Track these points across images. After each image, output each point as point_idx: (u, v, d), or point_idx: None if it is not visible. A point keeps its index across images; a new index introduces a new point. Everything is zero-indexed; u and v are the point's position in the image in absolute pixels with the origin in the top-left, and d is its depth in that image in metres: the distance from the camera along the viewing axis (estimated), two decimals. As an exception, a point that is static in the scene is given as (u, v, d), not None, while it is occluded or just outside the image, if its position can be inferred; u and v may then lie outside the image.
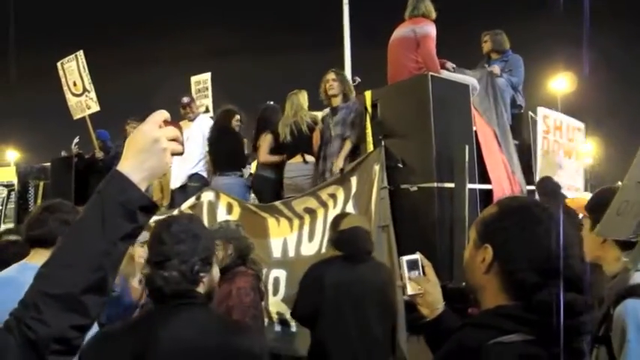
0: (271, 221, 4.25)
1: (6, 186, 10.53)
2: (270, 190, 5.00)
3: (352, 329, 2.89)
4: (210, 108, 7.72)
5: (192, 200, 4.86)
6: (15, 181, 8.45)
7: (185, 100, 5.72)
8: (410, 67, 4.10)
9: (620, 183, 1.82)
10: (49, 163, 7.70)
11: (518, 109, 5.08)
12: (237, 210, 4.51)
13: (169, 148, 0.98)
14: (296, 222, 4.13)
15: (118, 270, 0.96)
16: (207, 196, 4.74)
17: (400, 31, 4.24)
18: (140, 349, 1.57)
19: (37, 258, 2.25)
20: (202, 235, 1.77)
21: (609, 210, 1.67)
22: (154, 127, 0.98)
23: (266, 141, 5.14)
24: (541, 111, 5.11)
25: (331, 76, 4.63)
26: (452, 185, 3.53)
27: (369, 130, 3.85)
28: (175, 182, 5.84)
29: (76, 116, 6.74)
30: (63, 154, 7.55)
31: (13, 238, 3.05)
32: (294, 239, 4.01)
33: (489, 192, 3.92)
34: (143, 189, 0.96)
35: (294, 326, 3.87)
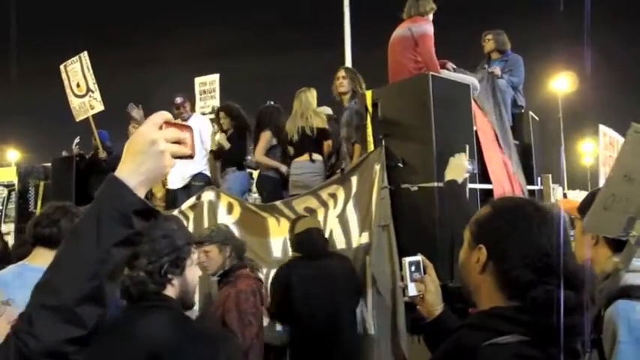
0: (271, 221, 4.25)
1: (6, 186, 10.54)
2: (273, 190, 5.02)
3: (322, 319, 3.24)
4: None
5: (192, 200, 4.86)
6: (15, 181, 8.45)
7: (178, 99, 5.70)
8: (409, 67, 4.10)
9: None
10: (49, 164, 7.69)
11: (518, 109, 5.08)
12: (237, 210, 4.51)
13: (168, 150, 0.93)
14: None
15: (119, 279, 0.93)
16: (207, 195, 4.74)
17: (398, 31, 4.25)
18: (105, 348, 1.53)
19: (38, 259, 2.23)
20: (175, 236, 1.70)
21: (595, 204, 1.66)
22: (152, 128, 0.94)
23: (264, 139, 5.17)
24: (601, 128, 5.49)
25: (341, 73, 4.70)
26: (452, 185, 3.53)
27: (369, 130, 3.85)
28: (177, 183, 5.84)
29: (79, 118, 6.73)
30: (64, 154, 7.55)
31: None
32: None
33: (490, 192, 3.92)
34: (142, 193, 0.92)
35: (294, 326, 3.87)
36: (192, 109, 6.76)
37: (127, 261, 1.56)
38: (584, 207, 1.95)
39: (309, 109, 4.83)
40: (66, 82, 6.82)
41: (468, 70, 4.58)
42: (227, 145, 5.45)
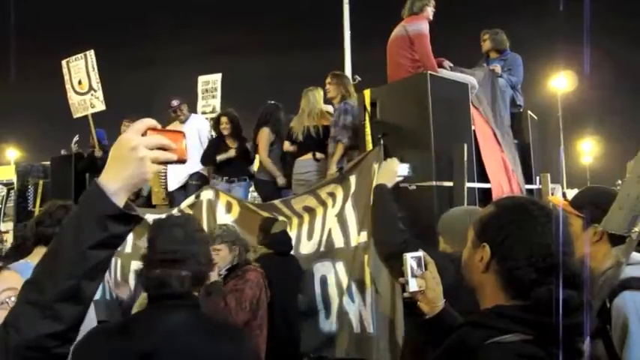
0: (270, 220, 4.25)
1: (5, 185, 10.55)
2: (269, 193, 5.05)
3: (298, 307, 3.74)
4: (218, 109, 7.76)
5: (191, 199, 4.87)
6: (14, 179, 8.45)
7: (174, 102, 5.67)
8: (407, 66, 4.11)
9: (620, 182, 1.85)
10: (48, 162, 7.70)
11: (517, 108, 5.08)
12: (236, 209, 4.52)
13: (149, 157, 0.95)
14: (295, 221, 4.14)
15: (99, 280, 0.95)
16: (206, 194, 4.75)
17: (395, 31, 4.26)
18: (132, 349, 1.53)
19: (39, 257, 2.23)
20: (206, 240, 1.79)
21: (613, 205, 1.72)
22: (134, 135, 0.96)
23: (263, 136, 5.20)
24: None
25: (328, 79, 4.78)
26: (451, 184, 3.53)
27: (368, 129, 3.85)
28: (174, 184, 5.83)
29: (77, 114, 6.74)
30: (63, 152, 7.55)
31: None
32: (293, 238, 4.01)
33: (488, 191, 3.92)
34: (122, 197, 0.94)
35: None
36: (193, 110, 6.76)
37: (174, 260, 1.62)
38: (579, 202, 1.97)
39: (317, 109, 4.88)
40: (66, 78, 6.81)
41: (466, 69, 4.58)
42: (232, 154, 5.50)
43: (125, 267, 4.95)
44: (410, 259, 1.66)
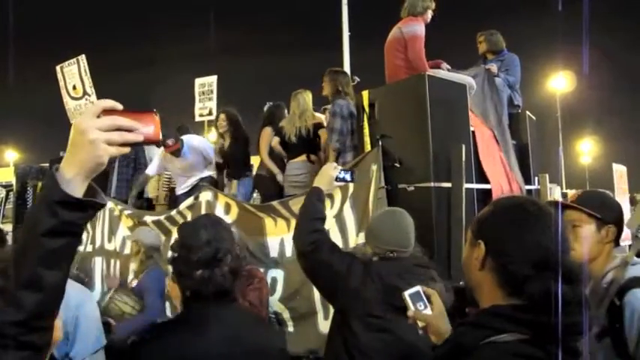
0: (268, 221, 4.24)
1: (4, 186, 10.53)
2: (269, 189, 5.05)
3: None
4: (214, 111, 7.75)
5: (190, 200, 4.86)
6: (14, 181, 8.44)
7: (170, 142, 5.19)
8: (404, 68, 4.11)
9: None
10: (47, 164, 7.70)
11: (515, 108, 5.07)
12: (234, 210, 4.51)
13: (100, 139, 0.91)
14: (293, 221, 4.12)
15: (61, 268, 0.93)
16: (205, 196, 4.74)
17: (391, 32, 4.26)
18: (193, 349, 1.57)
19: None
20: (233, 236, 1.82)
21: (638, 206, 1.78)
22: (86, 118, 0.92)
23: (265, 137, 5.22)
24: (614, 167, 6.55)
25: (323, 77, 4.74)
26: (449, 185, 3.53)
27: (366, 130, 3.85)
28: (182, 189, 5.79)
29: (74, 120, 6.74)
30: (61, 154, 7.53)
31: None
32: (291, 239, 4.01)
33: (487, 191, 3.92)
34: (80, 183, 0.92)
35: (291, 326, 3.87)
36: (191, 113, 6.71)
37: (218, 259, 1.65)
38: (589, 202, 1.97)
39: (308, 111, 4.88)
40: (61, 83, 6.82)
41: (463, 71, 4.58)
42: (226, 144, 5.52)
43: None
44: (408, 297, 1.65)
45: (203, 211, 4.65)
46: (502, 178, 4.14)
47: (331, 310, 3.68)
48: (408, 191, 3.50)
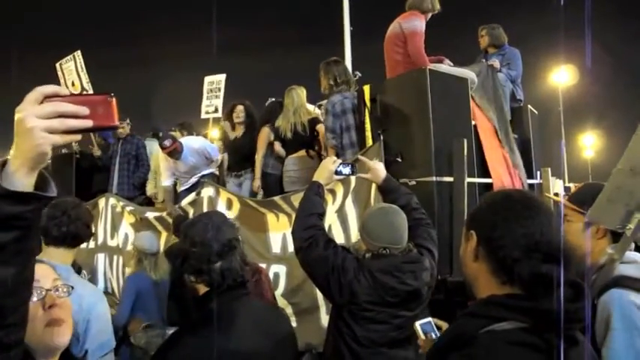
0: (270, 216, 4.25)
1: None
2: (272, 187, 5.05)
3: None
4: (220, 108, 7.75)
5: (192, 196, 4.87)
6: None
7: (166, 143, 5.27)
8: (403, 63, 4.09)
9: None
10: (49, 160, 7.70)
11: (517, 102, 5.07)
12: (236, 205, 4.52)
13: (39, 127, 0.85)
14: (295, 217, 4.13)
15: (12, 264, 0.89)
16: (207, 191, 4.75)
17: (390, 27, 4.24)
18: (225, 343, 1.59)
19: (50, 256, 2.20)
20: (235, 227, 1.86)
21: (600, 195, 1.73)
22: (26, 105, 0.87)
23: (263, 136, 5.21)
24: None
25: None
26: (451, 179, 3.53)
27: (367, 125, 3.85)
28: (185, 185, 5.80)
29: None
30: (64, 151, 7.56)
31: None
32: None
33: (489, 185, 3.92)
34: (25, 174, 0.87)
35: (293, 321, 3.88)
36: (197, 111, 6.70)
37: (230, 251, 1.68)
38: (581, 199, 1.96)
39: (302, 106, 4.86)
40: (62, 80, 6.83)
41: (465, 66, 4.57)
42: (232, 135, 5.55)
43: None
44: (419, 327, 1.66)
45: (205, 207, 4.66)
46: (504, 173, 4.13)
47: (333, 305, 3.71)
48: (409, 185, 3.49)
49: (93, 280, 5.38)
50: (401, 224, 2.39)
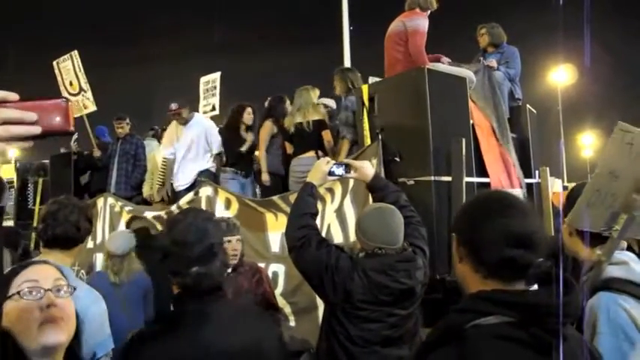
0: (269, 216, 4.24)
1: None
2: (273, 187, 5.07)
3: None
4: (217, 107, 7.75)
5: (190, 195, 4.86)
6: (14, 177, 8.45)
7: (173, 106, 5.52)
8: (404, 61, 4.09)
9: None
10: (48, 160, 7.70)
11: (515, 101, 5.07)
12: (235, 205, 4.51)
13: None
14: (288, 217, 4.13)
15: None
16: (205, 191, 4.74)
17: (392, 25, 4.25)
18: (192, 349, 1.54)
19: (50, 257, 2.18)
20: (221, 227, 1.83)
21: (579, 200, 1.73)
22: None
23: (265, 130, 5.24)
24: None
25: (334, 77, 4.87)
26: (449, 179, 3.53)
27: (366, 124, 3.84)
28: (183, 183, 5.80)
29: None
30: (62, 150, 7.55)
31: None
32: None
33: (487, 185, 3.91)
34: None
35: (292, 320, 3.88)
36: (195, 110, 6.72)
37: (212, 254, 1.61)
38: (570, 200, 1.97)
39: (308, 104, 4.91)
40: (59, 79, 6.82)
41: (464, 64, 4.57)
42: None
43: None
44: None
45: (203, 207, 4.65)
46: (501, 172, 4.13)
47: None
48: (408, 185, 3.49)
49: (91, 280, 5.37)
50: (397, 225, 2.39)
